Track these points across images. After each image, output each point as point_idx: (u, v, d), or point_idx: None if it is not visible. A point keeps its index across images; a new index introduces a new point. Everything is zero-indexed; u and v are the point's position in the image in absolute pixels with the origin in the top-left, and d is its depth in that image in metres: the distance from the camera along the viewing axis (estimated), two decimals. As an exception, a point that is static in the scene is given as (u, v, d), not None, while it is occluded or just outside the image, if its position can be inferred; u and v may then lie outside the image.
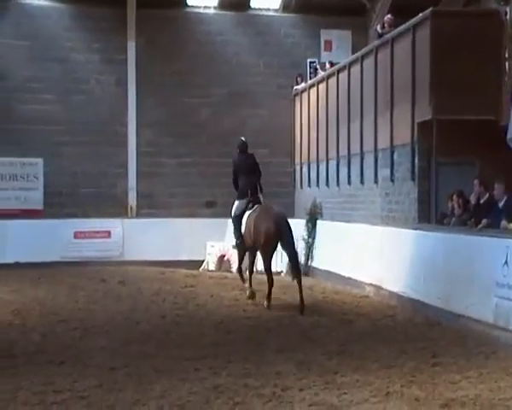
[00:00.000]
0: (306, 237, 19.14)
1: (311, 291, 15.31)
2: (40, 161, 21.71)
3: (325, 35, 23.47)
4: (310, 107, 21.61)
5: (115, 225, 21.51)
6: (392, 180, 15.94)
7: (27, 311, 12.92)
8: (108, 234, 21.42)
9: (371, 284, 15.06)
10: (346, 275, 16.39)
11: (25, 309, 13.08)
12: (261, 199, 14.44)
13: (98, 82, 22.56)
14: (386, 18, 17.31)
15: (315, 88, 21.25)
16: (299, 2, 23.31)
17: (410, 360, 9.17)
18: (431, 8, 14.29)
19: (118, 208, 22.16)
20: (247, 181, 14.46)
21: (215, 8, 23.27)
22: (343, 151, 18.80)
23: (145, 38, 22.56)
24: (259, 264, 15.48)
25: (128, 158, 22.53)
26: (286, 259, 15.25)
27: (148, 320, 12.08)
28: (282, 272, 18.51)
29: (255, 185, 14.52)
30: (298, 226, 18.90)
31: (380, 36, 16.82)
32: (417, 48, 14.68)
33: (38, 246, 20.12)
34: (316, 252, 18.89)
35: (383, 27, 16.91)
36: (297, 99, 22.81)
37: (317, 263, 18.75)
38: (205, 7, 23.22)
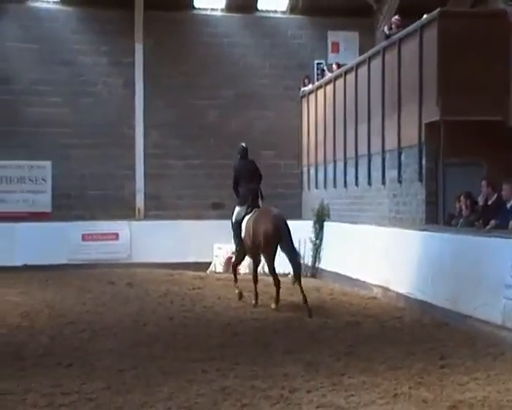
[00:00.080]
0: (314, 238, 19.13)
1: (318, 293, 15.31)
2: (48, 163, 21.78)
3: (332, 36, 23.47)
4: (317, 108, 21.60)
5: (123, 228, 21.52)
6: (400, 181, 15.91)
7: (36, 313, 12.94)
8: (116, 236, 21.44)
9: (379, 286, 15.03)
10: (354, 276, 16.36)
11: (33, 311, 13.10)
12: (260, 204, 14.36)
13: (106, 84, 22.60)
14: (393, 19, 17.27)
15: (322, 89, 21.24)
16: (306, 3, 23.32)
17: (417, 361, 9.14)
18: (438, 9, 14.25)
19: (125, 210, 22.19)
20: (247, 187, 14.38)
21: (222, 10, 23.29)
22: (350, 152, 18.77)
23: (152, 41, 22.59)
24: (266, 267, 15.45)
25: (136, 160, 22.57)
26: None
27: (156, 322, 12.08)
28: (289, 273, 18.46)
29: (256, 191, 14.43)
30: (305, 228, 18.93)
31: (387, 37, 16.80)
32: (425, 49, 14.65)
33: (46, 248, 20.15)
34: (323, 253, 18.88)
35: (390, 28, 16.87)
36: (304, 101, 22.80)
37: (324, 264, 18.74)
38: (212, 9, 23.26)
